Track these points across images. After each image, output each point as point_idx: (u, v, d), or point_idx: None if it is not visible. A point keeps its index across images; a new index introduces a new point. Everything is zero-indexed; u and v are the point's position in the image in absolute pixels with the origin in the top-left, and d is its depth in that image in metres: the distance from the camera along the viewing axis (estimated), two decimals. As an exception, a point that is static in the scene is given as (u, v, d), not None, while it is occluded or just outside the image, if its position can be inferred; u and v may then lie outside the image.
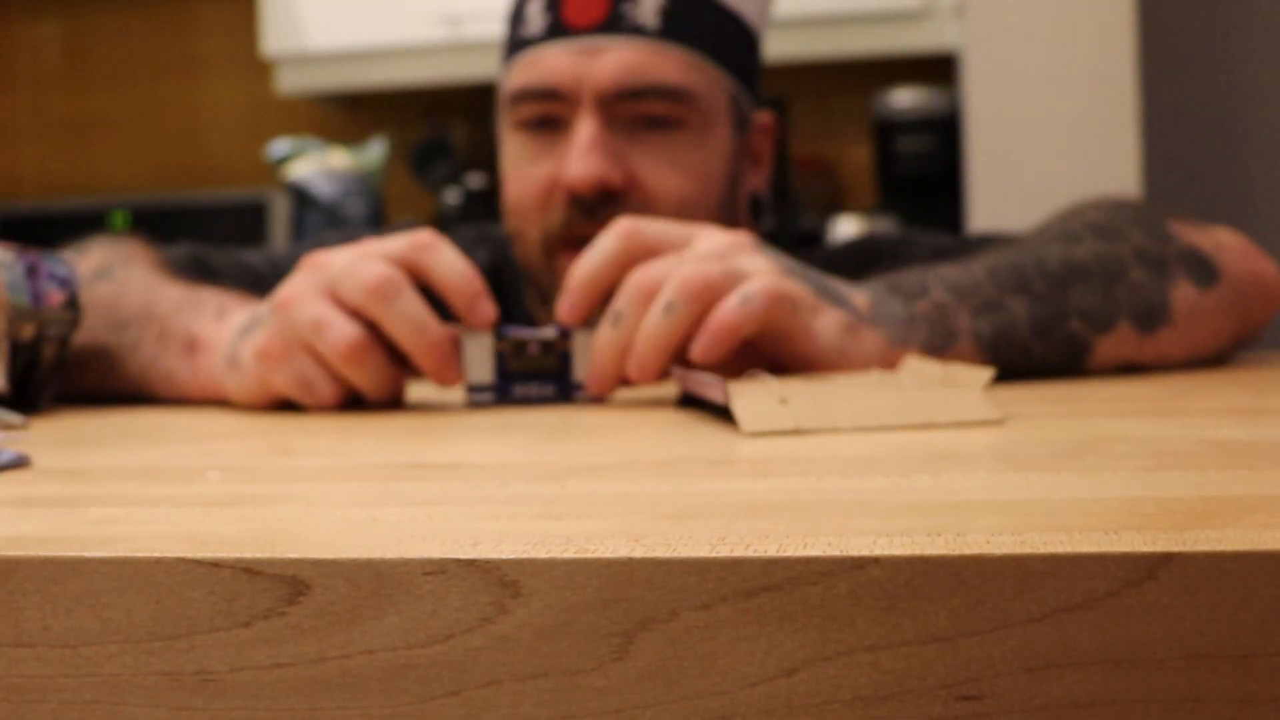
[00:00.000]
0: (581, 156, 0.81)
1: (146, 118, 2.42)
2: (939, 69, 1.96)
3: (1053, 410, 0.48)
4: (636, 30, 0.82)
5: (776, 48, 1.93)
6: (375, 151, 1.99)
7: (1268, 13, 1.63)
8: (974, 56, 1.49)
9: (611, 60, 0.82)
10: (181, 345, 0.67)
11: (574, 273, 0.60)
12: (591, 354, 0.58)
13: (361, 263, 0.59)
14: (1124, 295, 0.66)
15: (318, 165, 1.93)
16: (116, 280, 0.74)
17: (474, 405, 0.58)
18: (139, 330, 0.70)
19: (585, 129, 0.82)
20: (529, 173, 0.85)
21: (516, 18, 0.87)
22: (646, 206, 0.82)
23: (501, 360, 0.58)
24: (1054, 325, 0.64)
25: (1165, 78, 1.58)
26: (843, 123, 2.13)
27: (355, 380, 0.58)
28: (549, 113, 0.84)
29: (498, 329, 0.58)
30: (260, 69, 2.27)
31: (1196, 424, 0.42)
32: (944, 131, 1.80)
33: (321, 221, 1.89)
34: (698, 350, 0.55)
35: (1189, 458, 0.33)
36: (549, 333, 0.59)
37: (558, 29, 0.83)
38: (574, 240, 0.81)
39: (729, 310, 0.55)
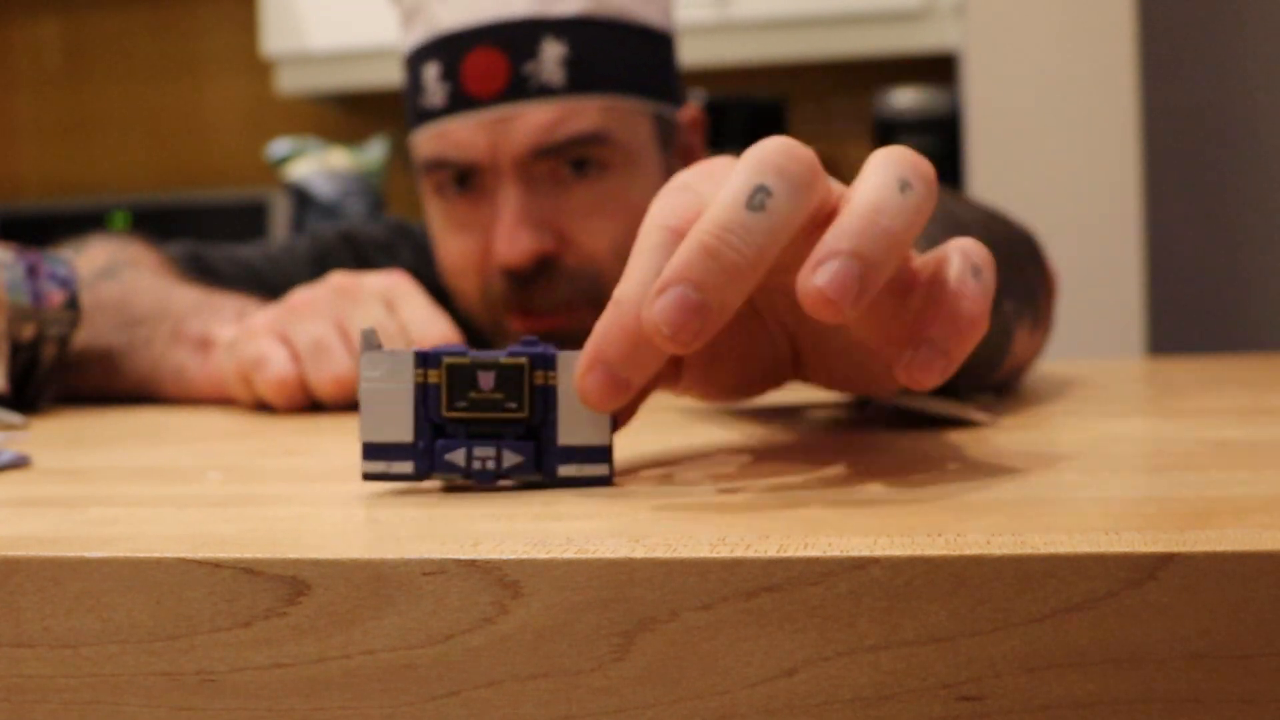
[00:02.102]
0: (509, 234, 0.79)
1: (146, 118, 2.42)
2: (939, 69, 1.96)
3: (1052, 410, 0.48)
4: (543, 91, 0.79)
5: (776, 48, 1.94)
6: (375, 151, 1.99)
7: (1268, 13, 1.63)
8: (974, 56, 1.49)
9: (523, 127, 0.79)
10: (195, 343, 0.68)
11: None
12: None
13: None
14: (1022, 286, 0.54)
15: (318, 165, 1.93)
16: (125, 280, 0.75)
17: (371, 479, 0.32)
18: (151, 328, 0.70)
19: (510, 202, 0.79)
20: (458, 242, 0.83)
21: (415, 83, 0.83)
22: (583, 263, 0.80)
23: (426, 399, 0.32)
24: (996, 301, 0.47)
25: (1165, 78, 1.58)
26: (843, 123, 2.13)
27: (328, 403, 0.60)
28: (467, 176, 0.81)
29: (424, 350, 0.32)
30: (260, 69, 2.27)
31: (1196, 424, 0.42)
32: (944, 131, 1.80)
33: (321, 221, 1.90)
34: (924, 365, 0.31)
35: (1189, 458, 0.33)
36: (515, 355, 0.32)
37: (460, 100, 0.80)
38: (516, 310, 0.81)
39: (973, 292, 0.31)
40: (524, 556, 0.23)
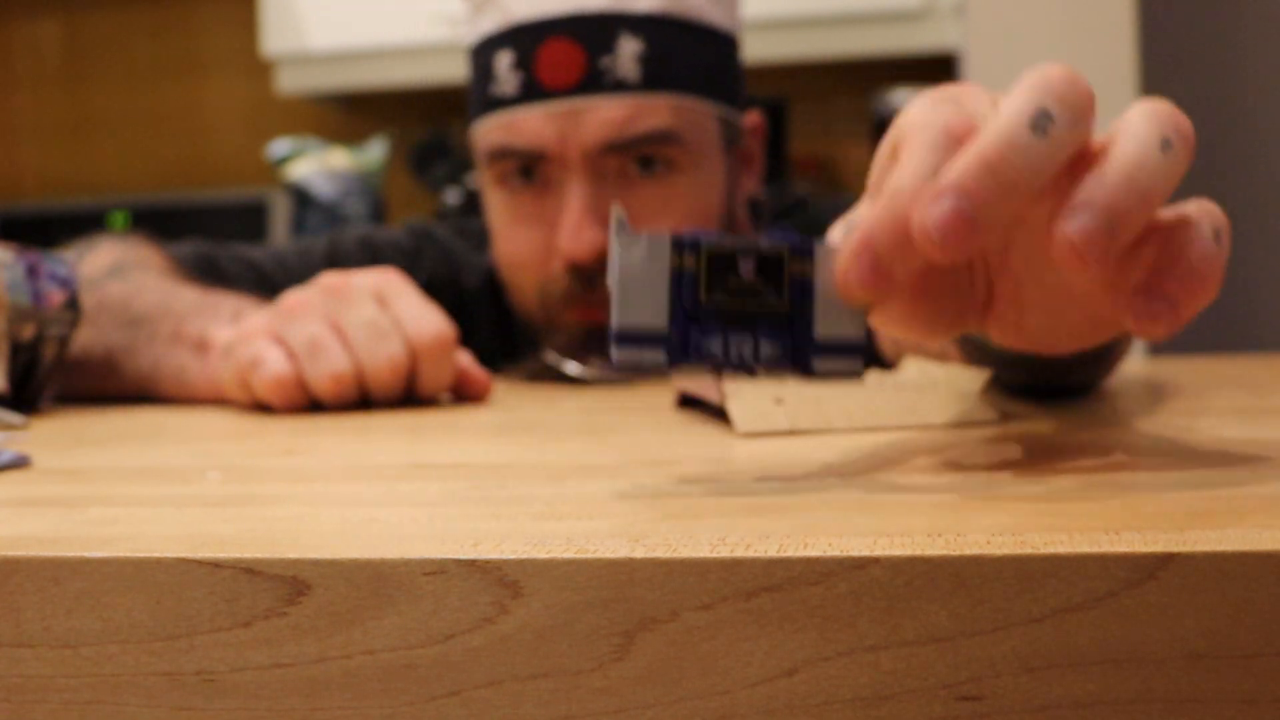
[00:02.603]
0: (577, 228, 0.79)
1: (146, 118, 2.42)
2: (939, 69, 1.96)
3: (1051, 410, 0.48)
4: (618, 86, 0.79)
5: (776, 48, 1.93)
6: (375, 151, 1.99)
7: (1268, 13, 1.63)
8: (974, 56, 1.49)
9: (596, 120, 0.79)
10: (194, 343, 0.68)
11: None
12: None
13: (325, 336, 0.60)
14: None
15: (318, 165, 1.93)
16: (131, 280, 0.75)
17: (623, 369, 0.32)
18: (152, 327, 0.70)
19: (576, 196, 0.79)
20: (521, 235, 0.83)
21: (484, 72, 0.83)
22: None
23: (681, 286, 0.31)
24: None
25: (1165, 78, 1.58)
26: (843, 123, 2.13)
27: (327, 401, 0.60)
28: (532, 166, 0.81)
29: (680, 235, 0.31)
30: (260, 69, 2.26)
31: (1196, 424, 0.42)
32: (944, 131, 1.80)
33: (321, 221, 1.89)
34: (1154, 318, 0.31)
35: (1189, 458, 0.33)
36: (774, 243, 0.31)
37: (533, 90, 0.80)
38: (576, 304, 0.81)
39: (1212, 253, 0.31)
40: (524, 556, 0.23)
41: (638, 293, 0.31)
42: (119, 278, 0.75)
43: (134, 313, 0.72)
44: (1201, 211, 0.32)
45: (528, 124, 0.80)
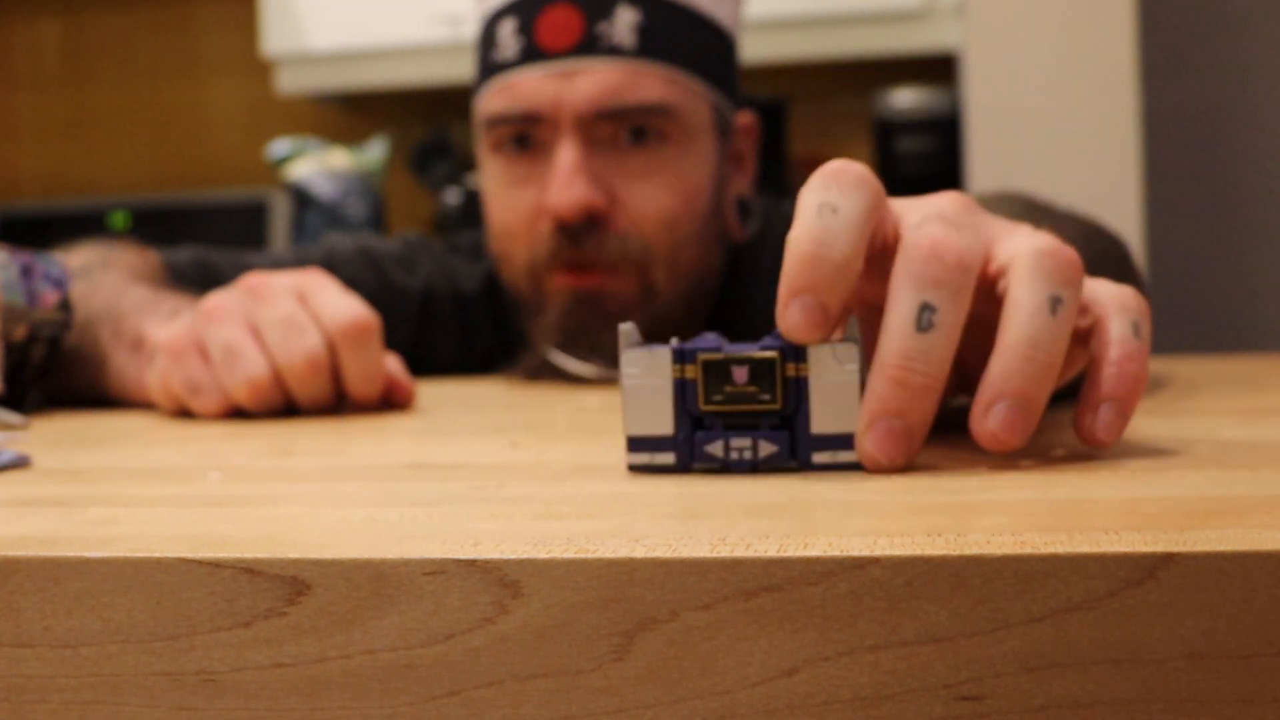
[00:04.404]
0: (564, 183, 0.80)
1: (146, 118, 2.42)
2: (939, 69, 1.96)
3: (1052, 410, 0.48)
4: (613, 51, 0.81)
5: (776, 48, 1.93)
6: (375, 151, 1.99)
7: (1268, 13, 1.63)
8: (974, 56, 1.49)
9: (589, 82, 0.81)
10: (131, 343, 0.67)
11: (801, 247, 0.33)
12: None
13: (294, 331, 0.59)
14: None
15: (318, 165, 1.93)
16: (92, 281, 0.74)
17: (639, 472, 0.34)
18: (98, 329, 0.69)
19: (566, 154, 0.81)
20: (512, 198, 0.84)
21: (488, 39, 0.85)
22: (632, 227, 0.81)
23: (683, 395, 0.34)
24: None
25: (1165, 78, 1.58)
26: (843, 123, 2.13)
27: (251, 408, 0.58)
28: (526, 133, 0.83)
29: (680, 346, 0.34)
30: (260, 69, 2.26)
31: (1196, 424, 0.42)
32: (944, 131, 1.80)
33: (321, 221, 1.89)
34: (1107, 427, 0.34)
35: (1189, 458, 0.33)
36: (767, 349, 0.34)
37: (532, 52, 0.82)
38: (562, 266, 0.81)
39: (1133, 350, 0.34)
40: (524, 556, 0.23)
41: (645, 402, 0.34)
42: (83, 279, 0.74)
43: (85, 315, 0.71)
44: (1120, 308, 0.35)
45: (524, 84, 0.82)
